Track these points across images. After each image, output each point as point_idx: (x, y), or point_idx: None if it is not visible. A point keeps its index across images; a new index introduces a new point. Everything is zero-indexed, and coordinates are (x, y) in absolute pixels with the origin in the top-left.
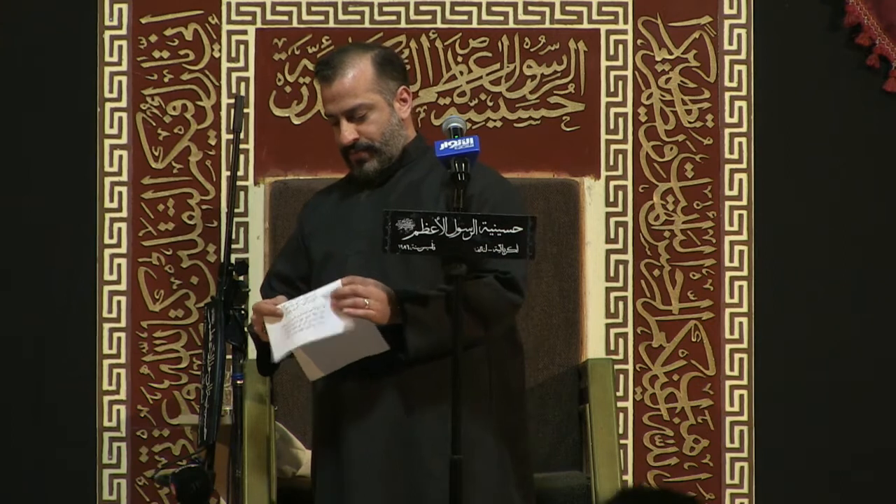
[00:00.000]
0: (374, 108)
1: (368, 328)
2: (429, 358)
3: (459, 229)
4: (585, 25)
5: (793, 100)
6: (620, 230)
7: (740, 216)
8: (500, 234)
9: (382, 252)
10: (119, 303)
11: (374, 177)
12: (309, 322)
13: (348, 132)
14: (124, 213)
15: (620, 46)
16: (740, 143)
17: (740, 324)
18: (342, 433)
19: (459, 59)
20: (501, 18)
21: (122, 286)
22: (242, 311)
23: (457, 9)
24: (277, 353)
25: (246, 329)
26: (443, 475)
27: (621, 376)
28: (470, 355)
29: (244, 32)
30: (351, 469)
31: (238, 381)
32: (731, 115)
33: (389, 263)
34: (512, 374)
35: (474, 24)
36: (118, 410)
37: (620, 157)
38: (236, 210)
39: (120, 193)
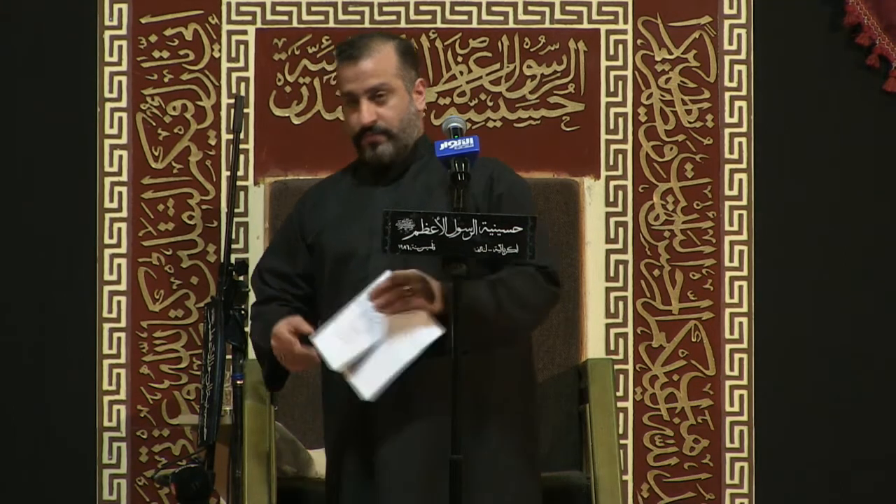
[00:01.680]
0: (395, 92)
1: (418, 317)
2: (483, 348)
3: (459, 229)
4: (585, 25)
5: (793, 100)
6: (620, 230)
7: (740, 216)
8: (500, 234)
9: (383, 252)
10: (119, 303)
11: (387, 162)
12: (362, 329)
13: (368, 112)
14: (124, 213)
15: (620, 46)
16: (740, 143)
17: (740, 324)
18: (375, 440)
19: (459, 59)
20: (501, 18)
21: (122, 286)
22: (242, 311)
23: (457, 9)
24: (338, 366)
25: (250, 339)
26: (483, 487)
27: (621, 376)
28: (506, 353)
29: (244, 32)
30: (384, 477)
31: (238, 381)
32: (731, 115)
33: (414, 261)
34: (533, 372)
35: (474, 24)
36: (118, 410)
37: (620, 157)
38: (236, 210)
39: (120, 193)
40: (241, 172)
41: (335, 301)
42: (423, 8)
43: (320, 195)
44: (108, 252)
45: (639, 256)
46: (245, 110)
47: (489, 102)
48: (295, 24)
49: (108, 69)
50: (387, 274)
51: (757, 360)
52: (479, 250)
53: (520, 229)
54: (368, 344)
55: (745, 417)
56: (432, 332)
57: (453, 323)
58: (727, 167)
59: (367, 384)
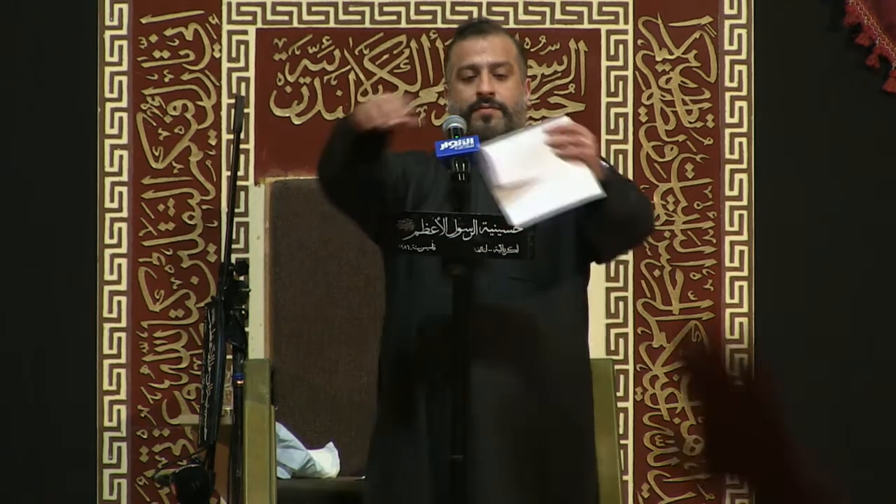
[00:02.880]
0: (514, 75)
1: (583, 171)
2: (615, 220)
3: (459, 229)
4: (586, 25)
5: (793, 100)
6: None
7: (740, 216)
8: (500, 234)
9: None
10: (119, 303)
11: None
12: (528, 164)
13: (489, 83)
14: (124, 213)
15: (621, 46)
16: (740, 143)
17: (740, 324)
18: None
19: None
20: (501, 18)
21: (123, 286)
22: (243, 311)
23: (457, 9)
24: (506, 178)
25: (329, 150)
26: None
27: (621, 376)
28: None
29: (244, 32)
30: (476, 471)
31: (238, 381)
32: (732, 115)
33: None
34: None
35: None
36: (118, 410)
37: (621, 157)
38: (236, 210)
39: (120, 193)
40: (241, 172)
41: (416, 285)
42: (423, 8)
43: (425, 161)
44: (108, 252)
45: (639, 256)
46: (245, 110)
47: None
48: (295, 24)
49: (108, 69)
50: (566, 119)
51: (757, 361)
52: (479, 250)
53: (520, 230)
54: (536, 174)
55: None
56: (594, 189)
57: (456, 321)
58: (727, 167)
59: (520, 212)
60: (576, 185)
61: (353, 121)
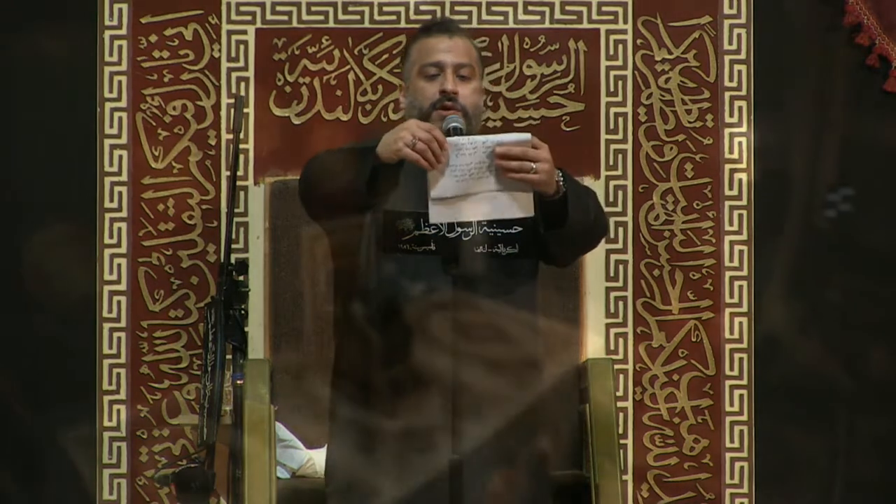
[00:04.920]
0: (475, 78)
1: (524, 195)
2: (573, 234)
3: (459, 229)
4: (585, 25)
5: (793, 100)
6: (620, 230)
7: (740, 216)
8: (500, 234)
9: (382, 252)
10: (119, 303)
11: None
12: (475, 173)
13: (452, 82)
14: (124, 213)
15: (620, 46)
16: (740, 143)
17: (740, 324)
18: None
19: None
20: (501, 18)
21: (122, 286)
22: (242, 311)
23: (457, 9)
24: (438, 193)
25: (326, 169)
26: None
27: (621, 376)
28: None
29: (244, 32)
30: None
31: (238, 381)
32: (731, 115)
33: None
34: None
35: (474, 24)
36: (118, 410)
37: (620, 157)
38: (236, 210)
39: (120, 193)
40: (241, 172)
41: (374, 260)
42: (422, 8)
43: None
44: (108, 252)
45: (639, 256)
46: (245, 110)
47: (489, 102)
48: (295, 23)
49: (108, 69)
50: (527, 136)
51: (757, 361)
52: (479, 250)
53: (520, 229)
54: (474, 188)
55: (745, 417)
56: (523, 212)
57: (453, 326)
58: (727, 167)
59: (440, 214)
60: (510, 205)
61: (377, 154)
